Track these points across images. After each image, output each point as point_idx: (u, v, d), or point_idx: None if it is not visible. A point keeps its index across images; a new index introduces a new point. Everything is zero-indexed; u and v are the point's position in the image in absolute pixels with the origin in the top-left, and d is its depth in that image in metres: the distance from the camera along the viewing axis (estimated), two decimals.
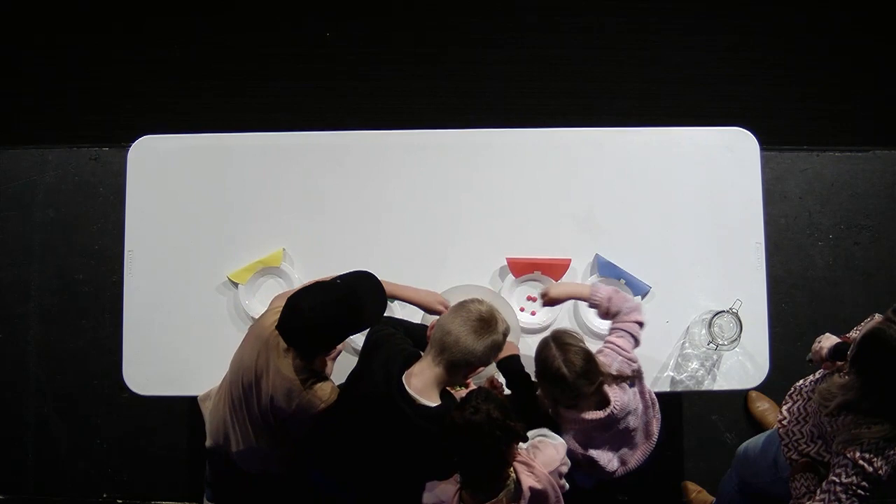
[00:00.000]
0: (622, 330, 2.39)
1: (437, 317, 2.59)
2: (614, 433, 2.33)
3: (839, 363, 2.13)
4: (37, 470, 3.44)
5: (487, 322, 2.16)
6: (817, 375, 2.26)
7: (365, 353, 2.35)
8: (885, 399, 1.88)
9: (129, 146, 2.85)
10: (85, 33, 3.77)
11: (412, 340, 2.38)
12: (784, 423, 2.25)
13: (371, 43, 3.76)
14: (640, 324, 2.42)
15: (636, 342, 2.41)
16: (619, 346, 2.36)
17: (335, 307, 2.18)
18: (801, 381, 2.31)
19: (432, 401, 2.16)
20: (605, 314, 2.47)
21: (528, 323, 2.72)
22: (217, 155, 2.85)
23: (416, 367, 2.20)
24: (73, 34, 3.79)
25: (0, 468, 3.45)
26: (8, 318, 3.53)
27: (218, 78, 3.74)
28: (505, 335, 2.21)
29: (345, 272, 2.35)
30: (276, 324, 2.23)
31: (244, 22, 3.78)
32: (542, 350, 2.23)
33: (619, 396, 2.26)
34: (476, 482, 2.14)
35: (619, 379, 2.27)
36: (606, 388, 2.25)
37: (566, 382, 2.17)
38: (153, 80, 3.74)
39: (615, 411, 2.25)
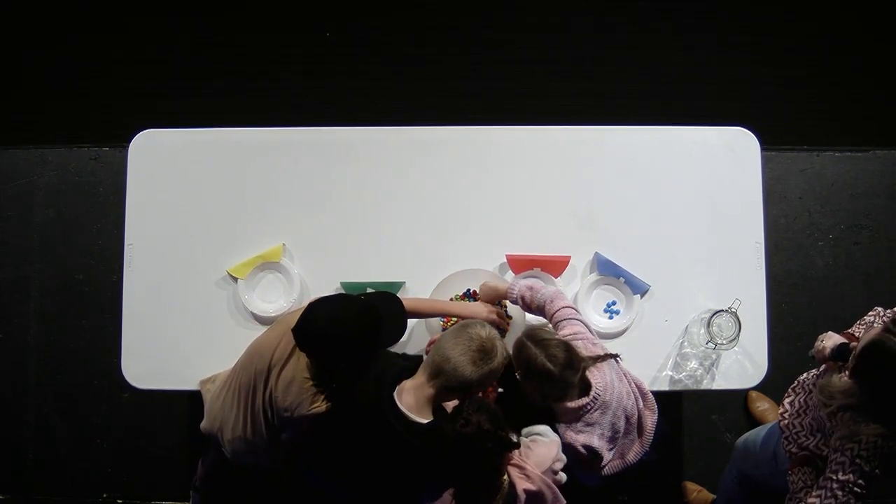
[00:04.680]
0: (563, 320, 2.39)
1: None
2: (610, 419, 2.33)
3: (841, 363, 2.13)
4: (37, 470, 3.44)
5: (488, 352, 2.13)
6: (820, 370, 2.27)
7: None
8: (885, 408, 1.89)
9: (129, 144, 2.84)
10: (85, 33, 3.78)
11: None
12: (786, 416, 2.26)
13: (371, 43, 3.76)
14: (572, 308, 2.44)
15: (586, 326, 2.42)
16: (573, 334, 2.35)
17: (351, 322, 2.16)
18: (804, 375, 2.32)
19: (424, 417, 2.15)
20: (528, 309, 2.51)
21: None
22: (218, 149, 2.85)
23: (409, 384, 2.18)
24: (73, 34, 3.79)
25: (0, 468, 3.45)
26: (8, 318, 3.53)
27: (218, 78, 3.75)
28: (502, 363, 2.18)
29: (372, 291, 2.34)
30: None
31: (244, 22, 3.78)
32: (521, 351, 2.22)
33: (598, 378, 2.28)
34: (471, 493, 2.14)
35: (597, 360, 2.30)
36: (587, 373, 2.26)
37: (553, 377, 2.17)
38: (153, 80, 3.74)
39: (599, 393, 2.26)
